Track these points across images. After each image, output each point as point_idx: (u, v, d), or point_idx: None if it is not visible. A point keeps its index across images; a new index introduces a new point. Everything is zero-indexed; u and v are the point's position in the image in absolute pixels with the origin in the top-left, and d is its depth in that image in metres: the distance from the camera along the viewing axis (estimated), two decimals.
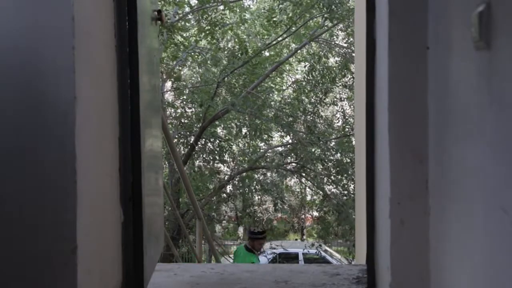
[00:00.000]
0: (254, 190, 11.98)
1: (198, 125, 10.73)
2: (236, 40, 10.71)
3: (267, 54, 11.61)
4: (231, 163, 12.46)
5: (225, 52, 10.54)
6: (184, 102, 11.60)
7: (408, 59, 1.75)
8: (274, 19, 10.54)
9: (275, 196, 11.81)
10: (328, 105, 12.93)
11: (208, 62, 10.57)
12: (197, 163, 11.91)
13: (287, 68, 12.95)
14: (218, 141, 11.55)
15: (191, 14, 10.45)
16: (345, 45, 11.91)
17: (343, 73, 11.47)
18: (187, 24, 10.34)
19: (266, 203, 13.68)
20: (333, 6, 9.52)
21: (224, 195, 12.47)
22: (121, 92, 2.01)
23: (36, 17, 1.29)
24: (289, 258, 11.20)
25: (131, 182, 2.05)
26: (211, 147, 11.61)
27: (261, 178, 12.27)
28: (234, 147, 12.35)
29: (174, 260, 8.09)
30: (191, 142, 10.72)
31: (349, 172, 10.51)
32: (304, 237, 17.80)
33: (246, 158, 11.73)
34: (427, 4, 1.73)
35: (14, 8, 1.18)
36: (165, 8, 9.30)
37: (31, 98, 1.25)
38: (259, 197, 12.57)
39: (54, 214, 1.36)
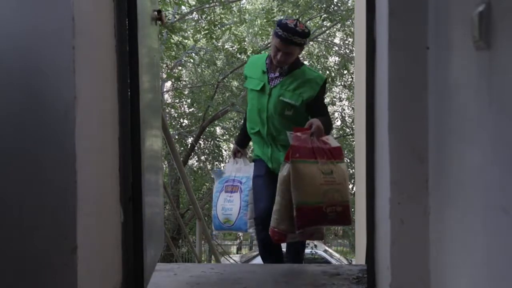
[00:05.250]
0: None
1: (197, 125, 10.74)
2: (235, 40, 10.71)
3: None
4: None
5: (224, 52, 10.54)
6: (184, 102, 11.60)
7: (408, 59, 1.75)
8: (273, 19, 10.54)
9: None
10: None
11: (206, 62, 10.57)
12: (195, 163, 11.91)
13: None
14: (216, 141, 11.55)
15: (190, 14, 10.44)
16: (344, 43, 11.91)
17: (343, 74, 11.47)
18: (185, 25, 10.33)
19: None
20: (332, 6, 9.53)
21: None
22: (121, 92, 2.01)
23: (36, 17, 1.29)
24: None
25: (131, 182, 2.05)
26: (211, 147, 11.60)
27: None
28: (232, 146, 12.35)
29: (174, 260, 8.09)
30: (192, 141, 10.72)
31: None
32: None
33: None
34: (427, 4, 1.73)
35: (14, 8, 1.18)
36: (165, 8, 9.30)
37: (31, 98, 1.25)
38: None
39: (54, 214, 1.36)
